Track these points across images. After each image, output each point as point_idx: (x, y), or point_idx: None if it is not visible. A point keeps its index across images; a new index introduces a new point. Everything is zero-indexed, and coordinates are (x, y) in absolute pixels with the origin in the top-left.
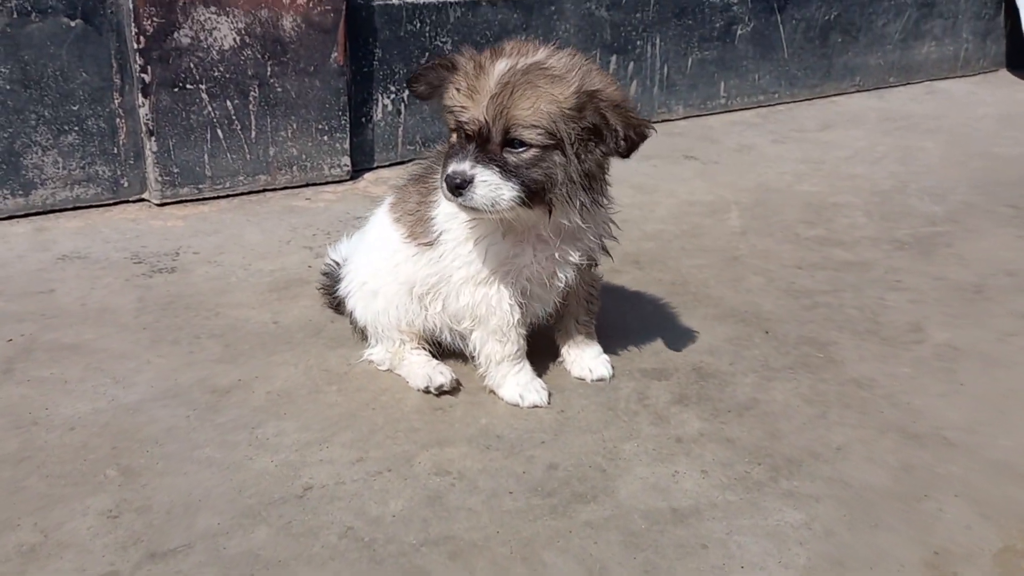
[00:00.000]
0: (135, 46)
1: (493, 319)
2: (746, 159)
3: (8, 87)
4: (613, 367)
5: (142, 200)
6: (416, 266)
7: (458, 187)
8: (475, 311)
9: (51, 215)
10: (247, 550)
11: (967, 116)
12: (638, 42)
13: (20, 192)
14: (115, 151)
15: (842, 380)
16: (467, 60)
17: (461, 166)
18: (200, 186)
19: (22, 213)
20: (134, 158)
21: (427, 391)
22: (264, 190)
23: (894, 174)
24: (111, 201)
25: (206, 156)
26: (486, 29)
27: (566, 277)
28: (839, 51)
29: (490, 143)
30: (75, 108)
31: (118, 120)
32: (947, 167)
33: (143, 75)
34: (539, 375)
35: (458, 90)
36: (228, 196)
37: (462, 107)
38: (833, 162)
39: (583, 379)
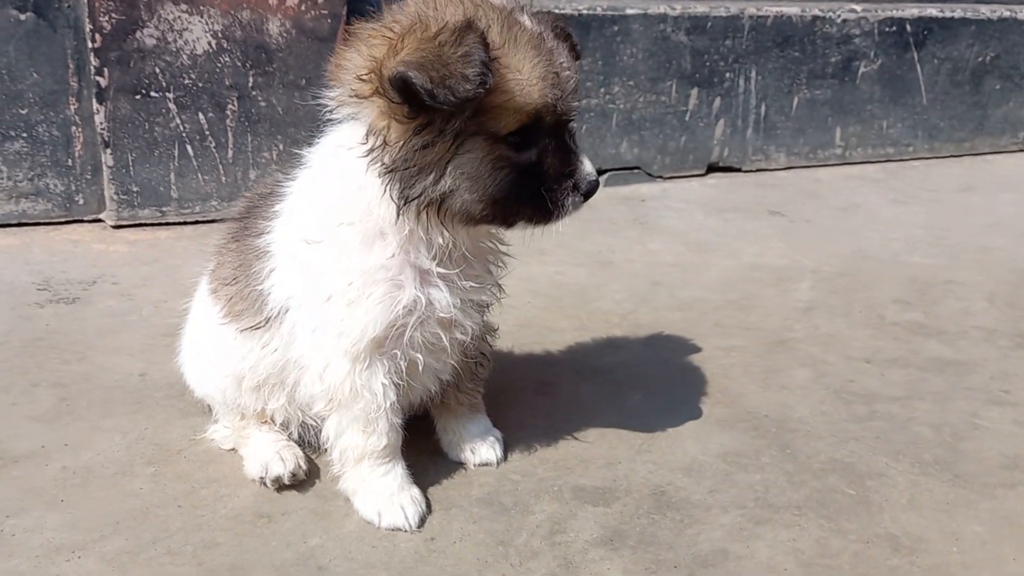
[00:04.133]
0: (91, 45)
1: (358, 403)
2: (849, 221)
3: None
4: (505, 450)
5: (99, 220)
6: (241, 355)
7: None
8: (335, 392)
9: None
10: None
11: None
12: (727, 74)
13: None
14: (69, 163)
15: (871, 535)
16: (490, 22)
17: (589, 164)
18: (164, 208)
19: None
20: (91, 172)
21: (263, 483)
22: None
23: None
24: (62, 219)
25: (172, 175)
26: None
27: (472, 328)
28: (996, 100)
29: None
30: (23, 112)
31: (73, 128)
32: None
33: (99, 78)
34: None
35: (533, 72)
36: (197, 223)
37: (555, 92)
38: (964, 231)
39: (464, 463)
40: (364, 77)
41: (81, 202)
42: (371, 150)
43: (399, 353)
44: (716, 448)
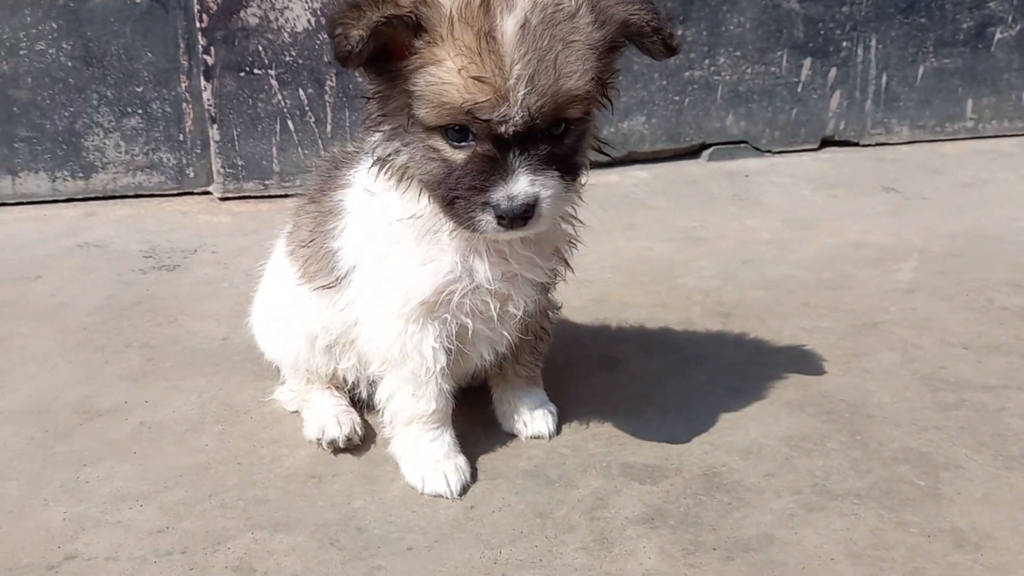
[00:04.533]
0: (199, 25)
1: (408, 364)
2: (971, 196)
3: (70, 64)
4: (559, 425)
5: (207, 193)
6: (315, 314)
7: (524, 216)
8: (388, 352)
9: (108, 201)
10: None
11: None
12: (844, 43)
13: (80, 175)
14: (180, 138)
15: (934, 529)
16: (443, 12)
17: (519, 187)
18: (267, 182)
19: (81, 197)
20: (200, 147)
21: (319, 444)
22: None
23: None
24: (175, 191)
25: (274, 149)
26: None
27: (525, 304)
28: None
29: (531, 138)
30: (139, 90)
31: (184, 105)
32: None
33: (206, 57)
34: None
35: (461, 70)
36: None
37: (477, 97)
38: None
39: (516, 435)
40: None
41: (191, 175)
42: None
43: (448, 317)
44: (780, 431)
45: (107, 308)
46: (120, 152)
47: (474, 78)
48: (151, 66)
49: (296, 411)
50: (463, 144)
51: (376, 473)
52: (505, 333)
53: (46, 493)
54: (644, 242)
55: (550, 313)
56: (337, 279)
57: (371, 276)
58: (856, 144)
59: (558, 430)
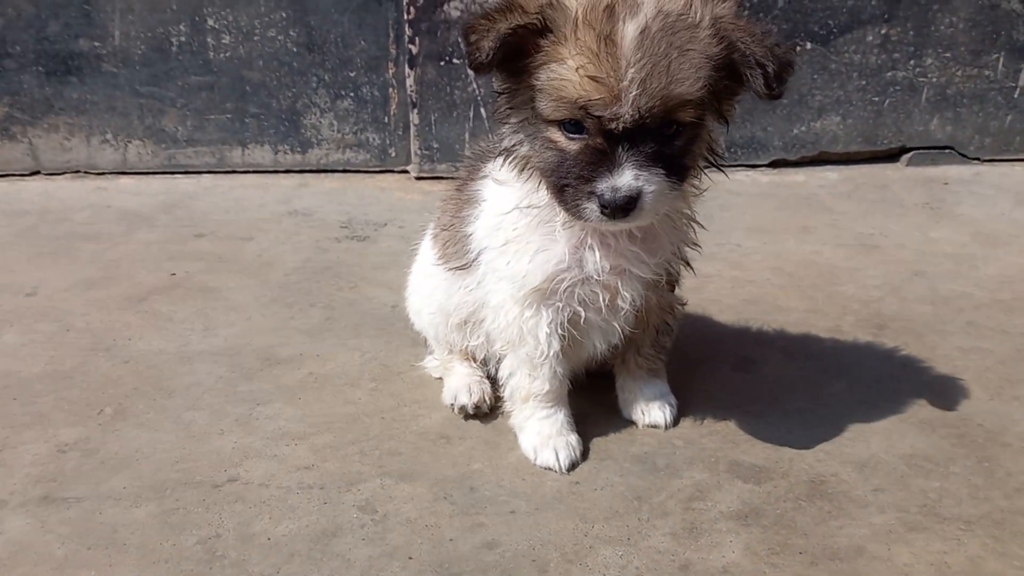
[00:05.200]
0: (406, 16)
1: (525, 346)
2: None
3: (295, 50)
4: (678, 417)
5: (405, 172)
6: (448, 293)
7: (626, 208)
8: (507, 333)
9: (321, 174)
10: (113, 523)
11: None
12: None
13: (299, 149)
14: (385, 120)
15: None
16: (568, 15)
17: (623, 179)
18: (457, 164)
19: (297, 169)
20: (403, 129)
21: (452, 409)
22: None
23: None
24: (377, 168)
25: (466, 134)
26: (828, 18)
27: (632, 298)
28: None
29: (641, 136)
30: (352, 75)
31: (391, 90)
32: None
33: (411, 46)
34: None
35: (579, 69)
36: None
37: (592, 95)
38: None
39: (635, 423)
40: None
41: (393, 154)
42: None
43: (561, 305)
44: (903, 448)
45: (302, 270)
46: (333, 131)
47: (590, 77)
48: (364, 53)
49: (439, 377)
50: (577, 137)
51: (498, 440)
52: (616, 325)
53: (224, 424)
54: (815, 246)
55: (676, 308)
56: (469, 261)
57: (494, 261)
58: None
59: (675, 422)
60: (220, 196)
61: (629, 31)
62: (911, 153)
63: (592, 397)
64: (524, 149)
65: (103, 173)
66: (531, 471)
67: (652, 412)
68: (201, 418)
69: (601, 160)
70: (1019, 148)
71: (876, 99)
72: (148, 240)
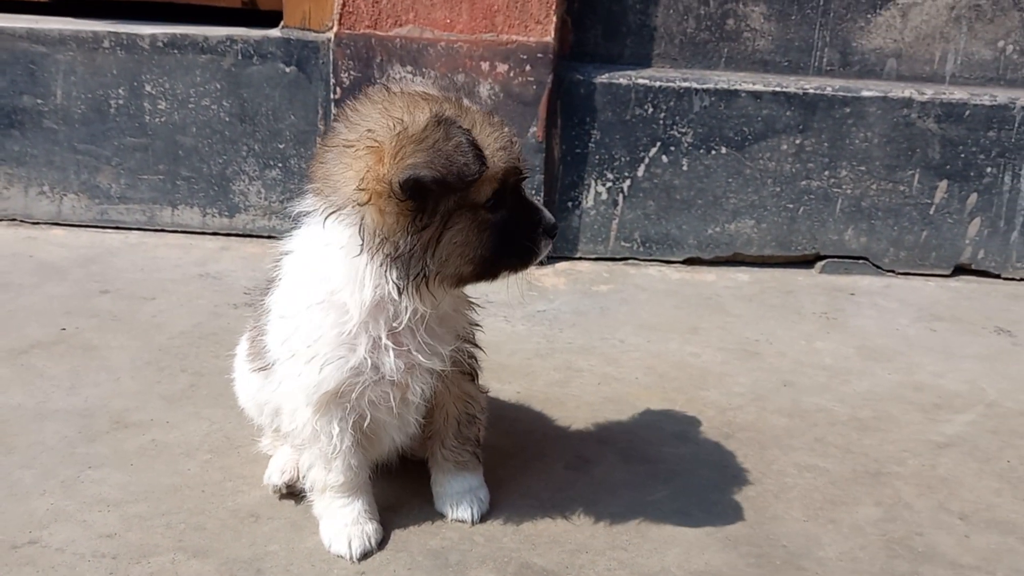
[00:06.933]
0: (333, 96)
1: (318, 443)
2: None
3: (227, 119)
4: (486, 514)
5: None
6: (258, 387)
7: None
8: (302, 433)
9: (246, 238)
10: None
11: None
12: (988, 169)
13: (226, 213)
14: None
15: None
16: (453, 112)
17: (546, 210)
18: None
19: (224, 232)
20: None
21: (268, 488)
22: None
23: None
24: None
25: None
26: (743, 125)
27: (422, 391)
28: None
29: None
30: (281, 147)
31: None
32: None
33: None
34: None
35: (503, 144)
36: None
37: (510, 159)
38: None
39: (445, 516)
40: (362, 187)
41: None
42: (371, 246)
43: (349, 406)
44: (698, 564)
45: (188, 334)
46: (260, 198)
47: (507, 144)
48: (293, 127)
49: (271, 455)
50: (498, 208)
51: (305, 523)
52: (410, 419)
53: (48, 485)
54: (697, 348)
55: (477, 398)
56: (268, 364)
57: (284, 371)
58: (997, 276)
59: (483, 518)
60: (141, 254)
61: (478, 108)
62: (825, 261)
63: (411, 487)
64: (442, 256)
65: (37, 223)
66: (324, 557)
67: (459, 508)
68: (29, 477)
69: (529, 206)
70: (934, 263)
71: (791, 206)
72: (53, 293)
